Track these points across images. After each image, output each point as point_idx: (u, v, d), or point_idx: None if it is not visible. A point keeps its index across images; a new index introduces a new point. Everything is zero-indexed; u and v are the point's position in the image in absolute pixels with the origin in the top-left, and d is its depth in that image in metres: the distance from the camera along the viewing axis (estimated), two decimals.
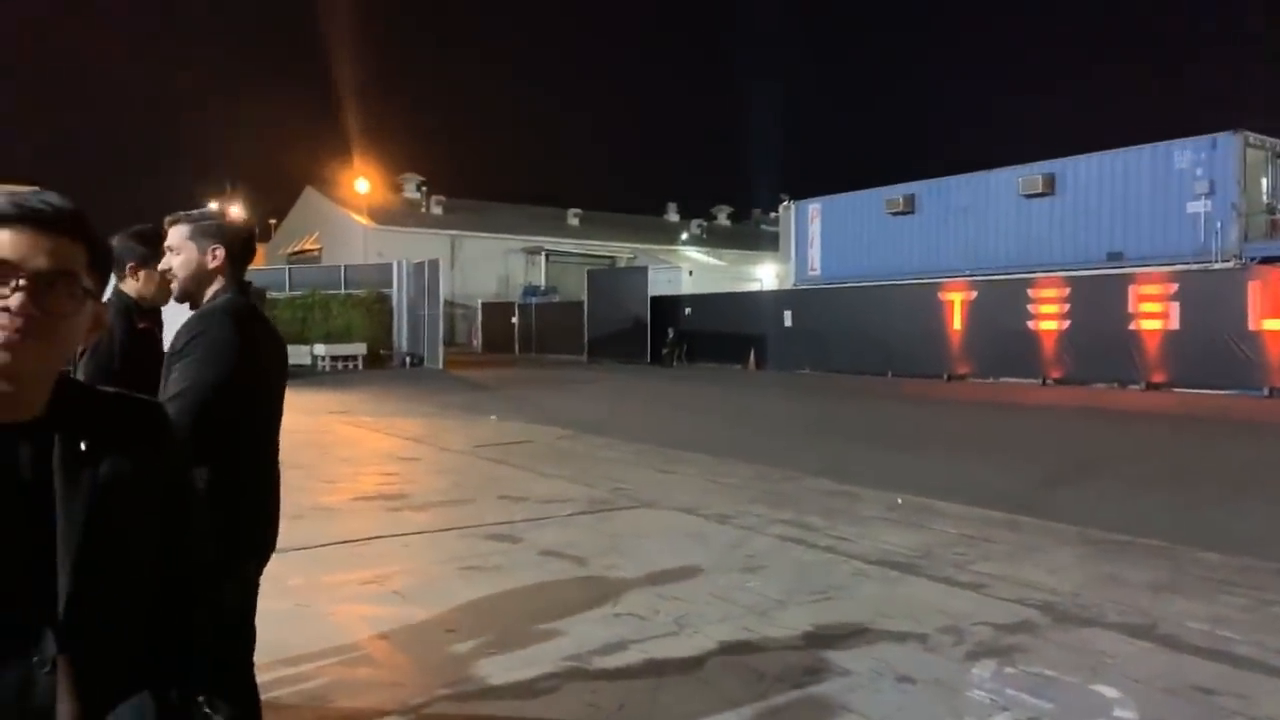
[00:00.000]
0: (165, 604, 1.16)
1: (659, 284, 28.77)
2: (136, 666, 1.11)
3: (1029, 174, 23.04)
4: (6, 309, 1.00)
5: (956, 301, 20.37)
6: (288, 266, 32.89)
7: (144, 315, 2.65)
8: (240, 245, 2.22)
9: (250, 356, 2.08)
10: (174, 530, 1.18)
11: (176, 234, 2.19)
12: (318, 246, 45.33)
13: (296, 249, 46.06)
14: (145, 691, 1.11)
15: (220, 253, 2.17)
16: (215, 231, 2.18)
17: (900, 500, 6.48)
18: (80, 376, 2.21)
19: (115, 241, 2.50)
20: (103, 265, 1.11)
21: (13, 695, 0.99)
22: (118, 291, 2.63)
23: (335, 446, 9.50)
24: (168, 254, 2.21)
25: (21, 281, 1.01)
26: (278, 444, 2.27)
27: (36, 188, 1.08)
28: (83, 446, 1.07)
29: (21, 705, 0.99)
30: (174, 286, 2.20)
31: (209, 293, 2.17)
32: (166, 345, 2.17)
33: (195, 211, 2.26)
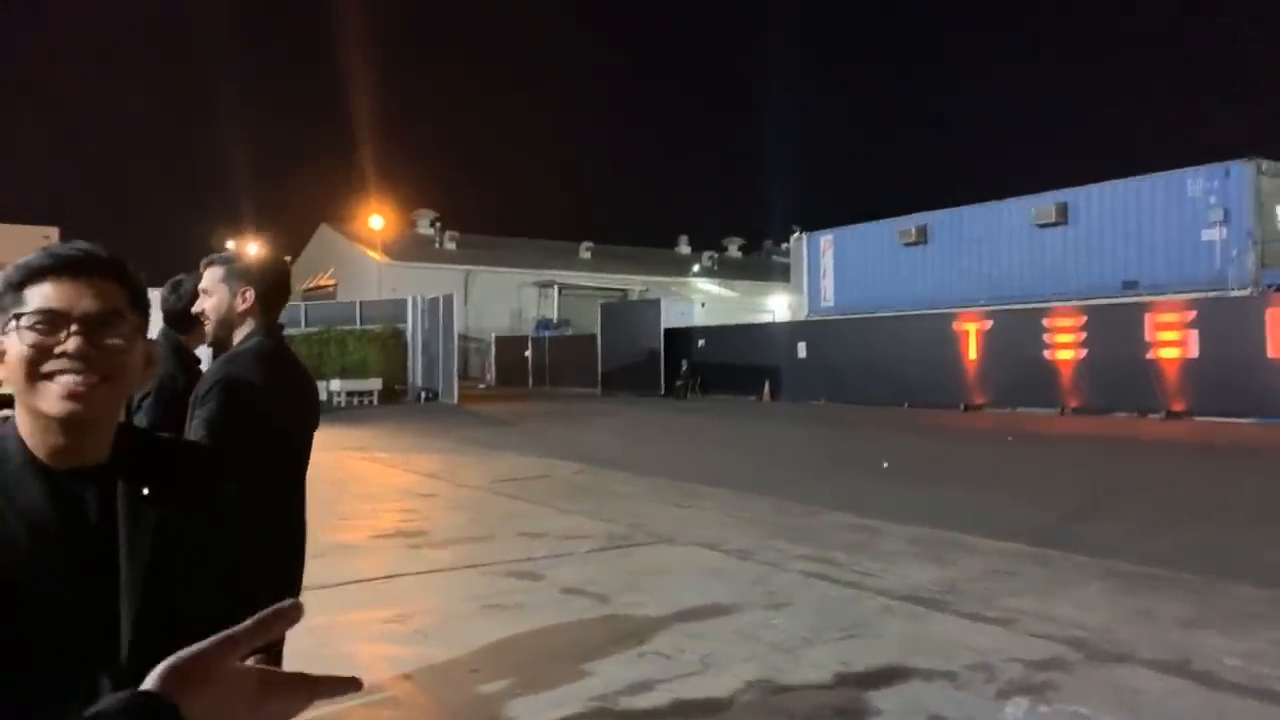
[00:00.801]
0: None
1: (672, 316, 28.81)
2: None
3: (1042, 204, 23.04)
4: (65, 353, 1.03)
5: (971, 331, 20.30)
6: (303, 303, 33.13)
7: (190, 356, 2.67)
8: (271, 287, 2.18)
9: (277, 401, 2.05)
10: (230, 577, 1.19)
11: (210, 276, 2.17)
12: (333, 282, 45.72)
13: (312, 285, 46.46)
14: None
15: (250, 294, 2.13)
16: (245, 273, 2.15)
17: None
18: (144, 420, 2.20)
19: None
20: (142, 305, 1.14)
21: None
22: (164, 332, 2.64)
23: (352, 483, 9.51)
24: (202, 296, 2.18)
25: (74, 327, 1.03)
26: (303, 491, 2.23)
27: (78, 242, 1.11)
28: (145, 492, 1.08)
29: None
30: (207, 329, 2.19)
31: (239, 335, 2.13)
32: None
33: (227, 253, 2.24)
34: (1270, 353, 15.58)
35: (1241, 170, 19.51)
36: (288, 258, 2.38)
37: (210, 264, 2.20)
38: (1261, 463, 11.26)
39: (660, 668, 3.81)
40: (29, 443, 1.04)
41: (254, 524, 1.96)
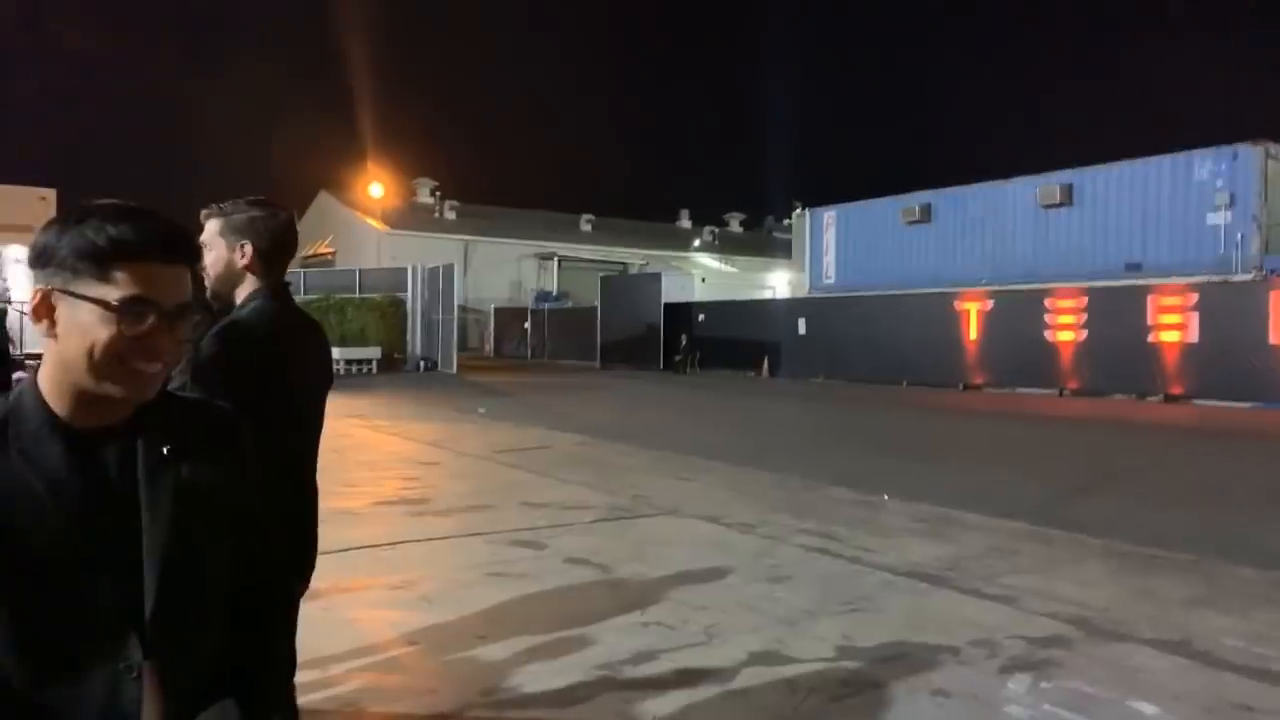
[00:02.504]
0: (246, 613, 1.16)
1: (672, 290, 28.76)
2: (219, 674, 1.10)
3: (1047, 184, 22.94)
4: (151, 347, 1.01)
5: (972, 311, 20.29)
6: (303, 270, 33.02)
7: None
8: (272, 241, 2.01)
9: (284, 359, 1.94)
10: (251, 539, 1.18)
11: (209, 229, 2.02)
12: (332, 250, 45.53)
13: (311, 253, 46.25)
14: (229, 699, 1.10)
15: (248, 249, 1.98)
16: (245, 226, 1.99)
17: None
18: (180, 379, 2.11)
19: None
20: (198, 279, 1.13)
21: (100, 700, 0.99)
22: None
23: (354, 450, 9.52)
24: (204, 250, 2.02)
25: (158, 320, 1.02)
26: (315, 458, 2.13)
27: (143, 208, 1.06)
28: (165, 451, 1.06)
29: (108, 710, 0.99)
30: (209, 285, 2.04)
31: (241, 294, 2.01)
32: None
33: (226, 204, 2.05)
34: (1272, 338, 15.58)
35: (1249, 153, 19.40)
36: (292, 210, 2.20)
37: (208, 216, 2.05)
38: (1261, 447, 11.29)
39: (664, 638, 3.83)
40: (52, 402, 1.02)
41: (272, 485, 1.93)
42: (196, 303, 2.59)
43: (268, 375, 1.89)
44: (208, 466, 1.11)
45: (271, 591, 1.23)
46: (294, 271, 31.32)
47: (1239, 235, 19.19)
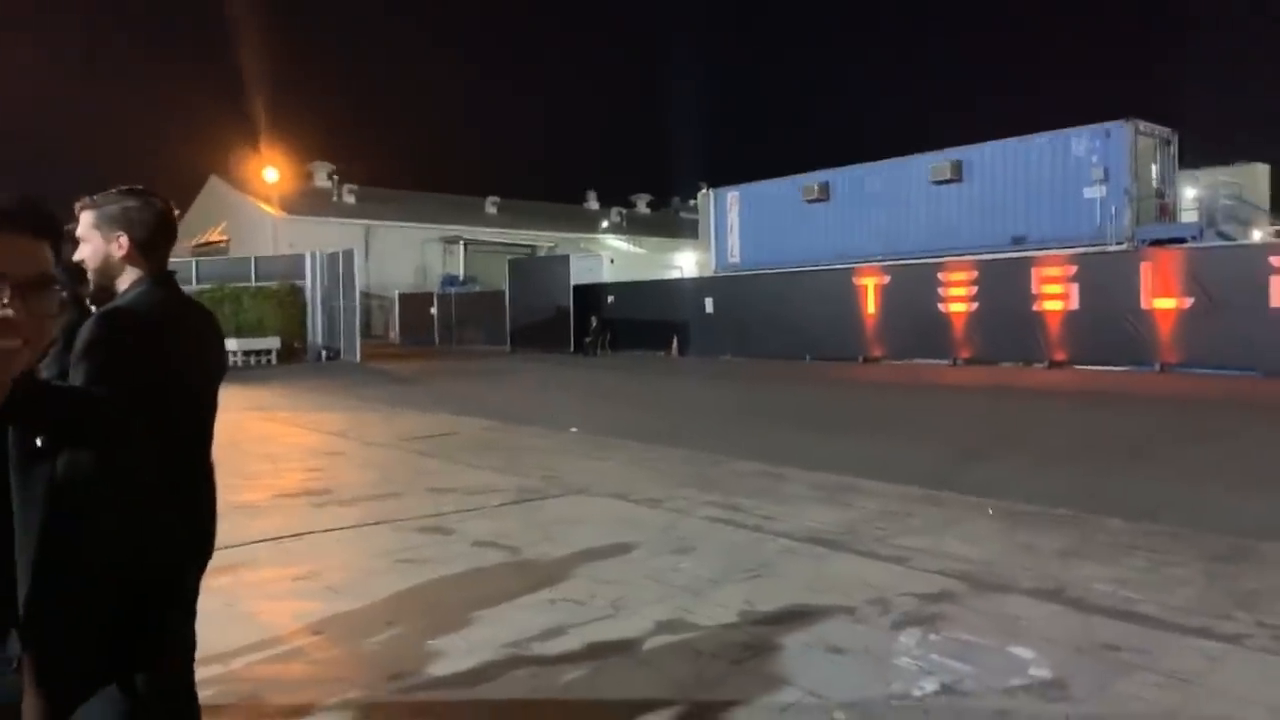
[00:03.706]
0: (136, 600, 1.16)
1: (581, 272, 28.70)
2: (104, 663, 1.10)
3: (938, 161, 23.79)
4: (9, 321, 0.99)
5: (870, 286, 20.93)
6: (194, 259, 31.61)
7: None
8: (149, 230, 1.99)
9: (169, 345, 1.92)
10: (137, 526, 1.17)
11: (84, 222, 1.99)
12: (225, 238, 43.58)
13: (202, 241, 44.28)
14: (113, 686, 1.10)
15: (124, 240, 1.96)
16: (119, 216, 1.97)
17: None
18: (51, 368, 2.04)
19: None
20: (60, 256, 1.10)
21: None
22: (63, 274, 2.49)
23: (253, 443, 9.25)
24: (81, 244, 2.01)
25: (8, 294, 0.99)
26: (210, 442, 2.13)
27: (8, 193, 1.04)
28: (38, 443, 1.05)
29: None
30: (89, 279, 2.05)
31: (122, 285, 1.98)
32: None
33: (98, 196, 2.02)
34: (1143, 304, 16.60)
35: (1121, 130, 20.53)
36: (167, 199, 2.16)
37: (82, 208, 2.01)
38: (1133, 407, 12.05)
39: (572, 613, 3.89)
40: None
41: (162, 470, 1.90)
42: (65, 292, 2.50)
43: (152, 360, 1.88)
44: (83, 456, 1.09)
45: (164, 577, 1.22)
46: (185, 261, 30.04)
47: (1113, 208, 20.33)
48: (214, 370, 2.14)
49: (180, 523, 1.86)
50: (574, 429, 9.87)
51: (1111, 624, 3.72)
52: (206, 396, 2.10)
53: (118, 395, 1.84)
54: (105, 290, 2.01)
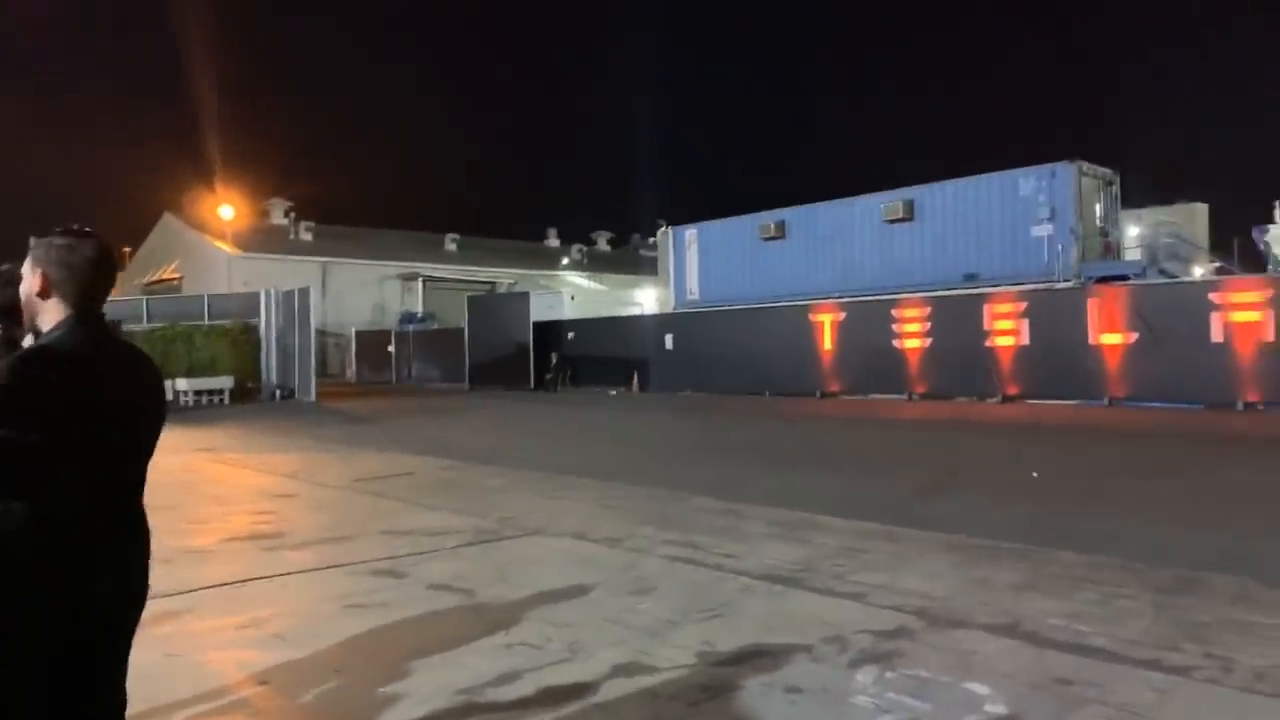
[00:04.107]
0: (67, 654, 1.11)
1: (541, 309, 28.68)
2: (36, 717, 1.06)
3: (890, 200, 24.28)
4: None
5: (827, 322, 21.20)
6: (145, 297, 31.07)
7: None
8: (70, 269, 1.93)
9: (72, 399, 1.83)
10: (62, 579, 1.13)
11: (26, 261, 1.97)
12: (178, 276, 43.05)
13: (154, 279, 43.60)
14: None
15: (40, 277, 1.92)
16: (42, 255, 1.93)
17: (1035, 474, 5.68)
18: None
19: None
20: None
21: None
22: None
23: (203, 485, 9.03)
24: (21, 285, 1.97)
25: None
26: (141, 489, 2.03)
27: None
28: None
29: None
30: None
31: (44, 326, 1.92)
32: None
33: (36, 236, 1.97)
34: (1091, 339, 17.01)
35: (1065, 171, 21.17)
36: (126, 249, 2.11)
37: (30, 248, 1.98)
38: (1084, 441, 12.29)
39: (528, 658, 3.83)
40: None
41: (90, 517, 1.83)
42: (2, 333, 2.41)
43: (69, 402, 1.81)
44: (15, 503, 1.06)
45: (94, 635, 1.18)
46: (136, 299, 29.50)
47: (1060, 246, 20.88)
48: (144, 413, 2.05)
49: (111, 574, 1.79)
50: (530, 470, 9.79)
51: (1064, 658, 3.75)
52: (133, 440, 2.01)
53: (22, 438, 1.76)
54: (35, 331, 1.96)
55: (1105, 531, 6.23)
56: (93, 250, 1.99)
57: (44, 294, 1.93)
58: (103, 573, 1.83)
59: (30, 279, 1.94)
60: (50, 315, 1.93)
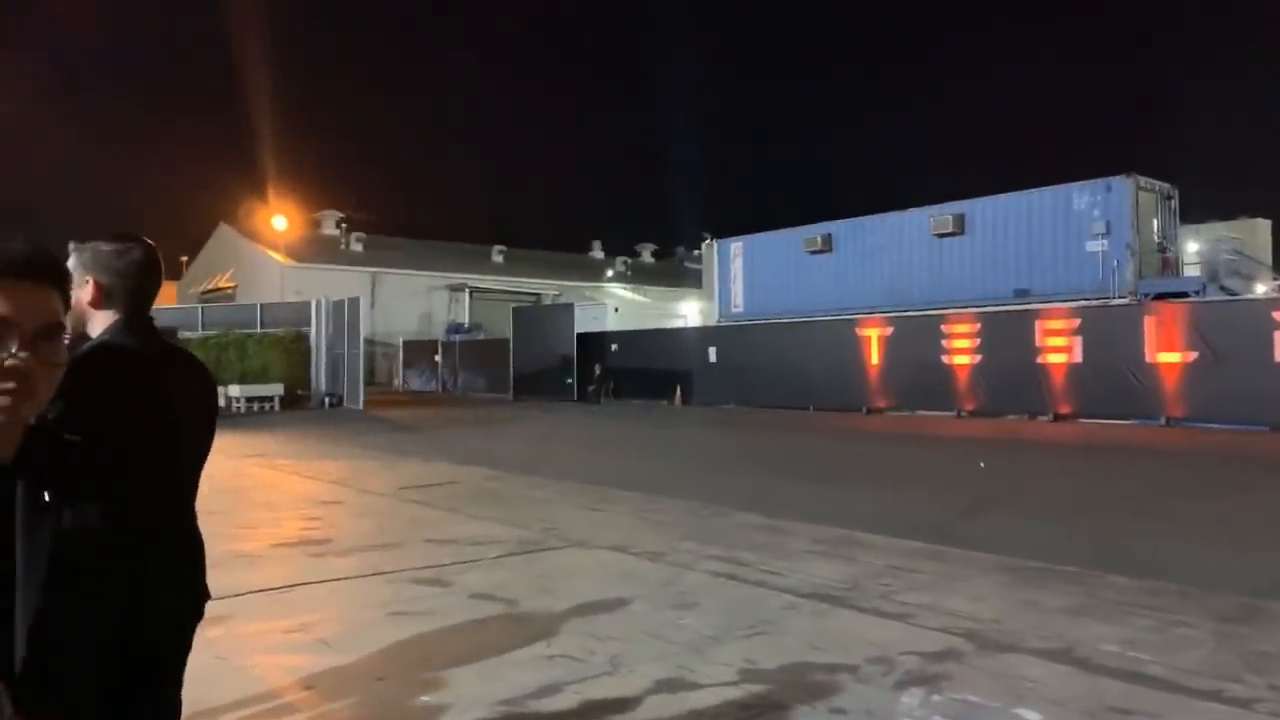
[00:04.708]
0: (129, 658, 1.13)
1: (585, 321, 28.79)
2: None
3: (940, 214, 23.95)
4: (14, 370, 0.97)
5: (874, 337, 20.95)
6: (200, 305, 31.89)
7: None
8: (119, 275, 1.93)
9: (131, 402, 1.82)
10: (130, 581, 1.15)
11: (70, 267, 1.93)
12: (232, 285, 44.08)
13: (209, 287, 44.70)
14: None
15: (90, 284, 1.91)
16: (90, 261, 1.92)
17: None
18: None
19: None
20: (69, 304, 1.09)
21: None
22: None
23: (253, 491, 9.20)
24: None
25: (18, 342, 0.98)
26: (193, 495, 2.03)
27: (19, 242, 1.04)
28: (46, 498, 1.04)
29: None
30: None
31: (94, 332, 1.92)
32: None
33: (77, 243, 1.98)
34: (1148, 358, 16.57)
35: (1121, 185, 20.70)
36: (183, 258, 2.14)
37: (71, 252, 1.96)
38: (1138, 461, 11.96)
39: (569, 670, 3.82)
40: None
41: (149, 523, 1.85)
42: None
43: (131, 404, 1.81)
44: (88, 510, 1.08)
45: (157, 634, 1.20)
46: (191, 307, 30.27)
47: (1115, 262, 20.41)
48: (198, 417, 2.04)
49: (171, 580, 1.81)
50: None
51: (1120, 686, 3.64)
52: (188, 444, 2.01)
53: (92, 442, 1.79)
54: (82, 336, 1.94)
55: (1161, 555, 6.05)
56: (141, 254, 1.97)
57: (96, 302, 1.92)
58: (163, 579, 1.83)
59: (80, 287, 1.91)
60: (100, 322, 1.93)
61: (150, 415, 1.89)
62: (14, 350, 0.98)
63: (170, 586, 1.91)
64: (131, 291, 1.95)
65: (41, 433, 1.12)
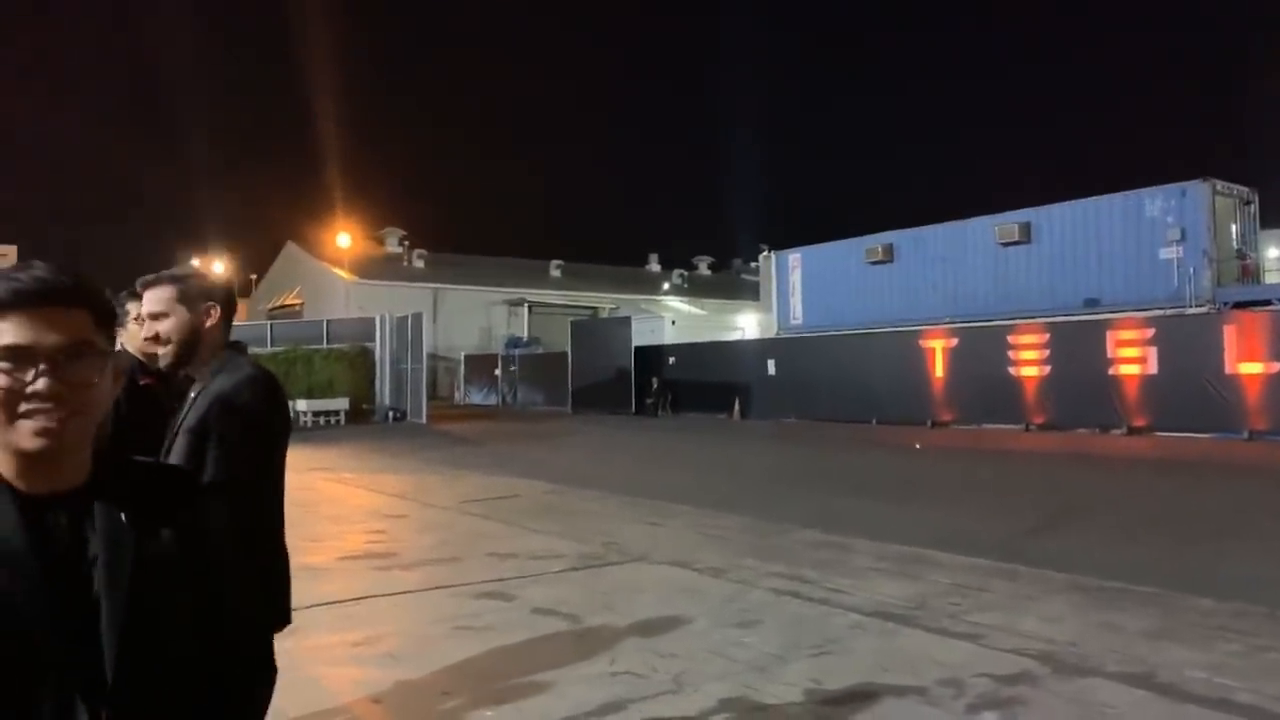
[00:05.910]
0: (215, 681, 1.15)
1: (642, 334, 28.85)
2: None
3: (1005, 223, 23.45)
4: (35, 394, 1.00)
5: (938, 349, 20.55)
6: (269, 322, 32.79)
7: (148, 372, 2.58)
8: (232, 303, 2.17)
9: (274, 424, 2.05)
10: (217, 608, 1.17)
11: (160, 297, 2.08)
12: (299, 301, 45.27)
13: (278, 304, 45.97)
14: None
15: (216, 312, 2.10)
16: (209, 291, 2.11)
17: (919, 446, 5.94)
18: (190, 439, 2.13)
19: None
20: (108, 322, 1.11)
21: None
22: (121, 349, 2.58)
23: (320, 504, 9.39)
24: (149, 320, 2.10)
25: (41, 365, 1.01)
26: (282, 509, 2.17)
27: (28, 262, 1.07)
28: (123, 518, 1.06)
29: None
30: (163, 351, 2.09)
31: (205, 355, 2.08)
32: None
33: (174, 271, 2.16)
34: (1228, 369, 15.93)
35: (1197, 190, 20.01)
36: (253, 276, 2.34)
37: (154, 284, 2.11)
38: (1219, 477, 11.48)
39: (632, 687, 3.80)
40: (2, 469, 1.03)
41: (251, 551, 1.92)
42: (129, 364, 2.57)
43: (270, 431, 2.03)
44: (167, 532, 1.10)
45: (250, 653, 1.22)
46: (260, 323, 31.15)
47: (1191, 269, 19.71)
48: (285, 433, 2.20)
49: (262, 594, 1.88)
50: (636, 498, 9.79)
51: (1206, 713, 3.48)
52: (281, 459, 2.15)
53: (239, 471, 1.92)
54: (186, 362, 2.09)
55: (1247, 576, 5.78)
56: (232, 283, 2.21)
57: (216, 329, 2.10)
58: (250, 601, 1.94)
59: (195, 314, 2.08)
60: (209, 348, 2.08)
61: (284, 435, 2.13)
62: (35, 375, 1.00)
63: (263, 594, 2.05)
64: (230, 317, 2.16)
65: (119, 454, 1.15)
